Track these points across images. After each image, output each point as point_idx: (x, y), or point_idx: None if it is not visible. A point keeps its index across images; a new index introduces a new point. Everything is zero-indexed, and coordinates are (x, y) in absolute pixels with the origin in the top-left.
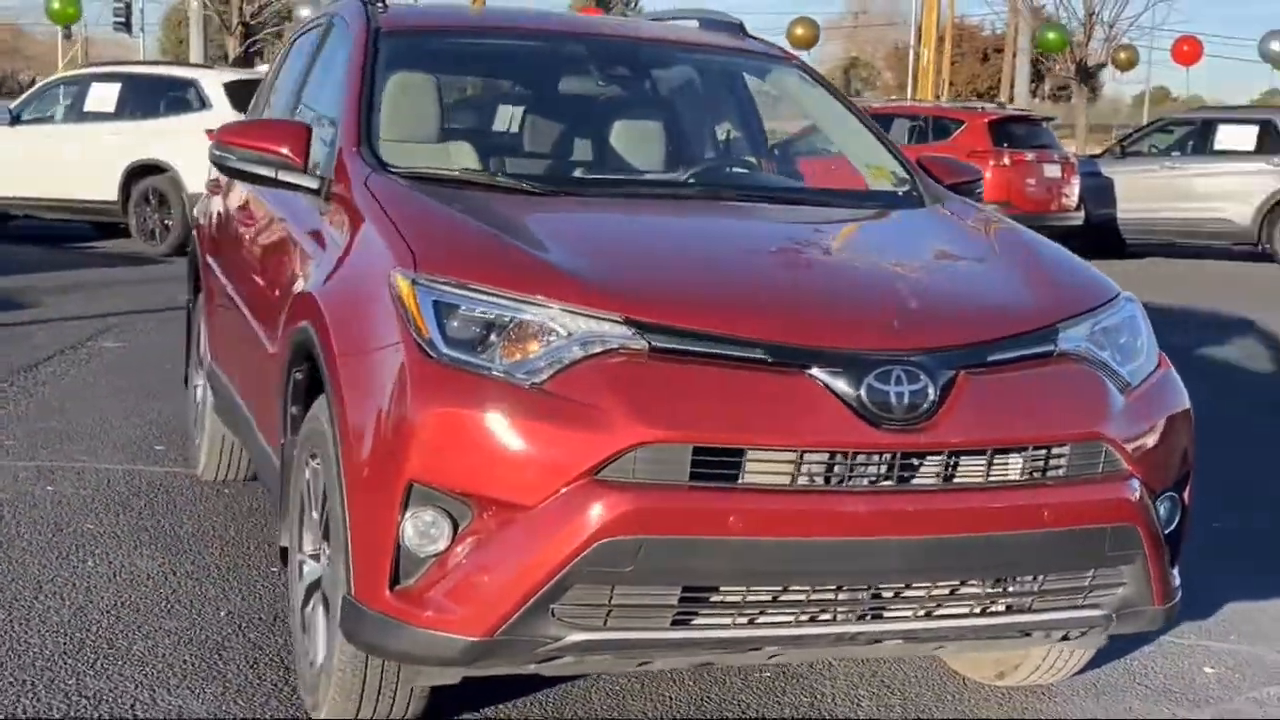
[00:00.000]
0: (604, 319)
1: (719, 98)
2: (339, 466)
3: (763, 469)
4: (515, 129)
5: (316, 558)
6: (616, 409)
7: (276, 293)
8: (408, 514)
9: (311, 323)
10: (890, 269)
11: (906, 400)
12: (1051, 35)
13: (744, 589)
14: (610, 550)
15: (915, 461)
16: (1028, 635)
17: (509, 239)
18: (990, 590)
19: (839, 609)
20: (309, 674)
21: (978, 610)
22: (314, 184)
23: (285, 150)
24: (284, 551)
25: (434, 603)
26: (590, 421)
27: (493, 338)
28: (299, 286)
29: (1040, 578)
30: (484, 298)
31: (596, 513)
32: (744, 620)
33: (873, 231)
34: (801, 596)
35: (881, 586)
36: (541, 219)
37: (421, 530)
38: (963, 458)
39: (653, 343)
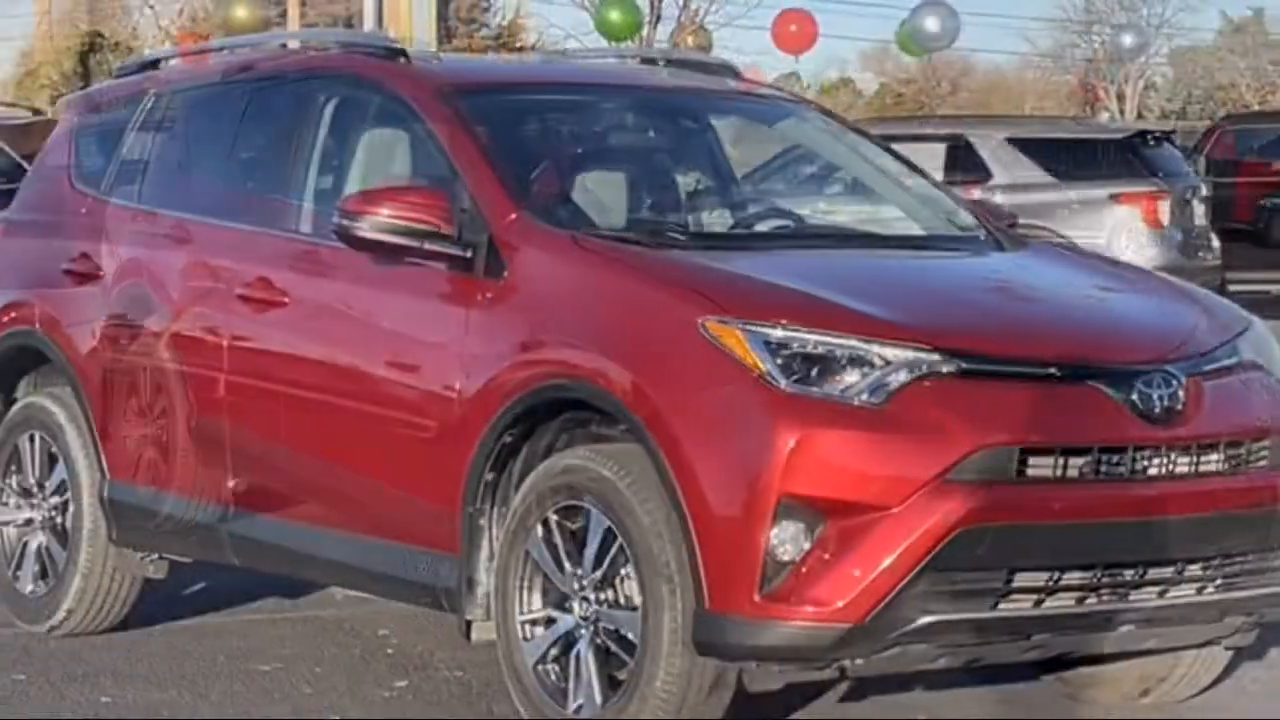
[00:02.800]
0: (914, 349)
1: (758, 145)
2: (679, 498)
3: (1071, 464)
4: (610, 182)
5: (565, 609)
6: (953, 422)
7: (427, 371)
8: (775, 526)
9: (587, 379)
10: (1098, 299)
11: (1167, 401)
12: (615, 15)
13: (1051, 573)
14: (967, 538)
15: (1177, 453)
16: (1221, 618)
17: (789, 284)
18: (1208, 571)
19: (1102, 591)
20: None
21: (1197, 590)
22: (465, 252)
23: (433, 218)
24: (469, 625)
25: (807, 598)
26: (933, 433)
27: (818, 370)
28: (519, 355)
29: (1247, 556)
30: (802, 336)
31: (954, 507)
32: (1036, 601)
33: (1039, 269)
34: (1087, 579)
35: (1135, 566)
36: (771, 266)
37: (786, 539)
38: (1208, 448)
39: (962, 366)
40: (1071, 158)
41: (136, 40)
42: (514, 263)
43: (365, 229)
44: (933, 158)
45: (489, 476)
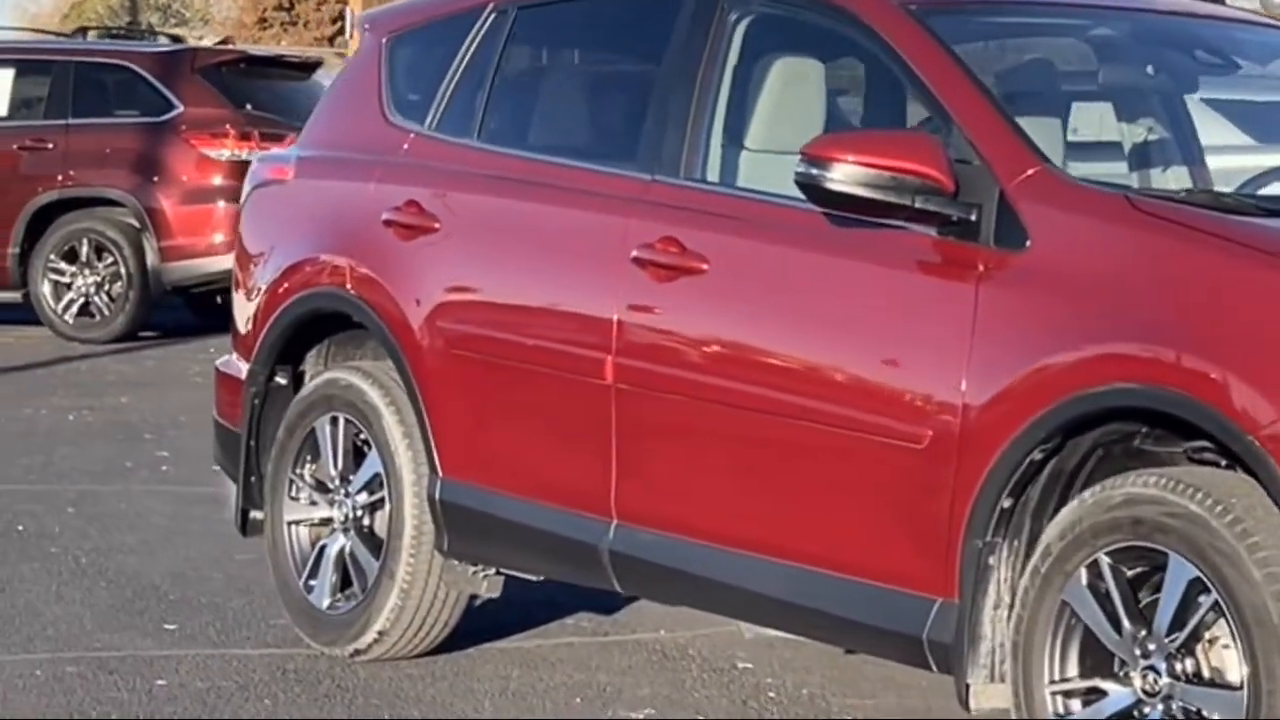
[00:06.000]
0: None
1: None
2: None
3: None
4: (1113, 125)
5: (1120, 679)
6: None
7: (915, 364)
8: None
9: (1170, 386)
10: None
11: None
12: None
13: None
14: None
15: None
16: None
17: None
18: None
19: None
20: None
21: None
22: (968, 214)
23: (930, 170)
24: (966, 689)
25: None
26: None
27: None
28: (1058, 350)
29: None
30: None
31: None
32: None
33: None
34: None
35: None
36: None
37: None
38: None
39: None
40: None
41: None
42: (1038, 229)
43: (838, 180)
44: None
45: (1005, 503)
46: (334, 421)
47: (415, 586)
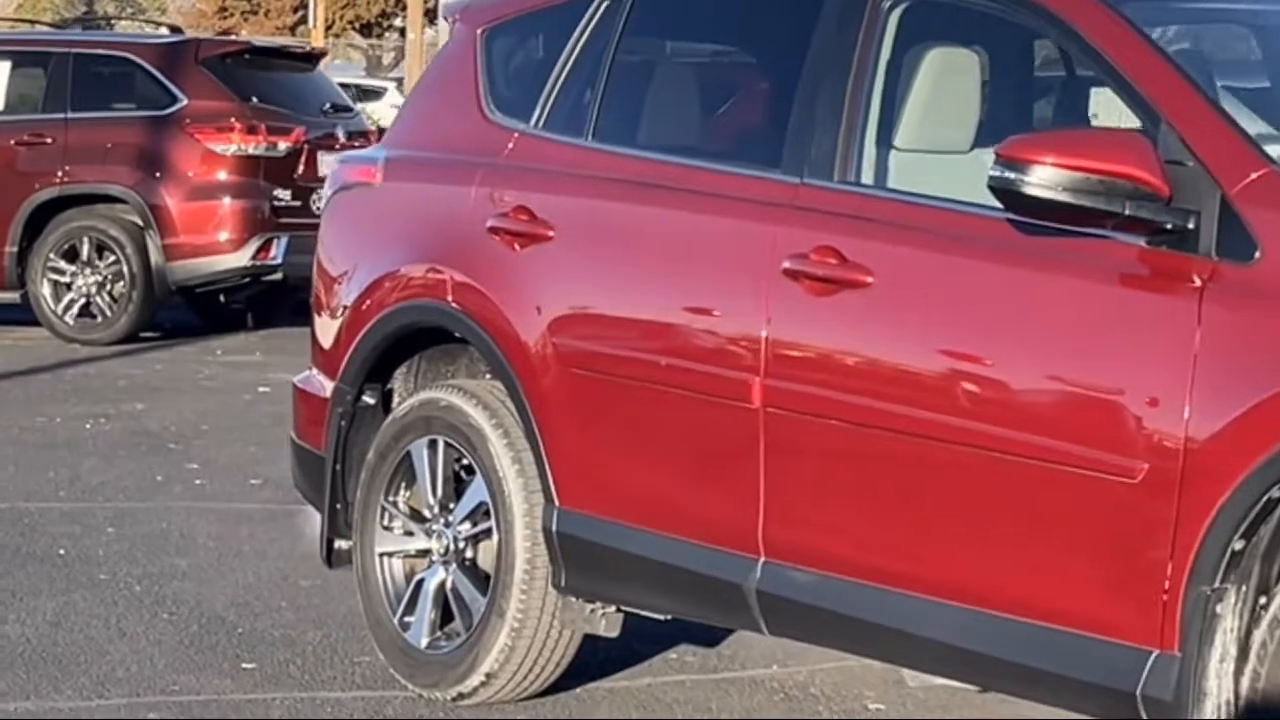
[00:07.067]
0: None
1: None
2: None
3: None
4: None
5: None
6: None
7: (1123, 388)
8: None
9: None
10: None
11: None
12: None
13: None
14: None
15: None
16: None
17: None
18: None
19: None
20: None
21: None
22: (1185, 222)
23: (1143, 173)
24: None
25: None
26: None
27: None
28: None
29: None
30: None
31: None
32: None
33: None
34: None
35: None
36: None
37: None
38: None
39: None
40: None
41: None
42: (1270, 239)
43: (1038, 184)
44: None
45: (1237, 545)
46: (432, 445)
47: (527, 625)
